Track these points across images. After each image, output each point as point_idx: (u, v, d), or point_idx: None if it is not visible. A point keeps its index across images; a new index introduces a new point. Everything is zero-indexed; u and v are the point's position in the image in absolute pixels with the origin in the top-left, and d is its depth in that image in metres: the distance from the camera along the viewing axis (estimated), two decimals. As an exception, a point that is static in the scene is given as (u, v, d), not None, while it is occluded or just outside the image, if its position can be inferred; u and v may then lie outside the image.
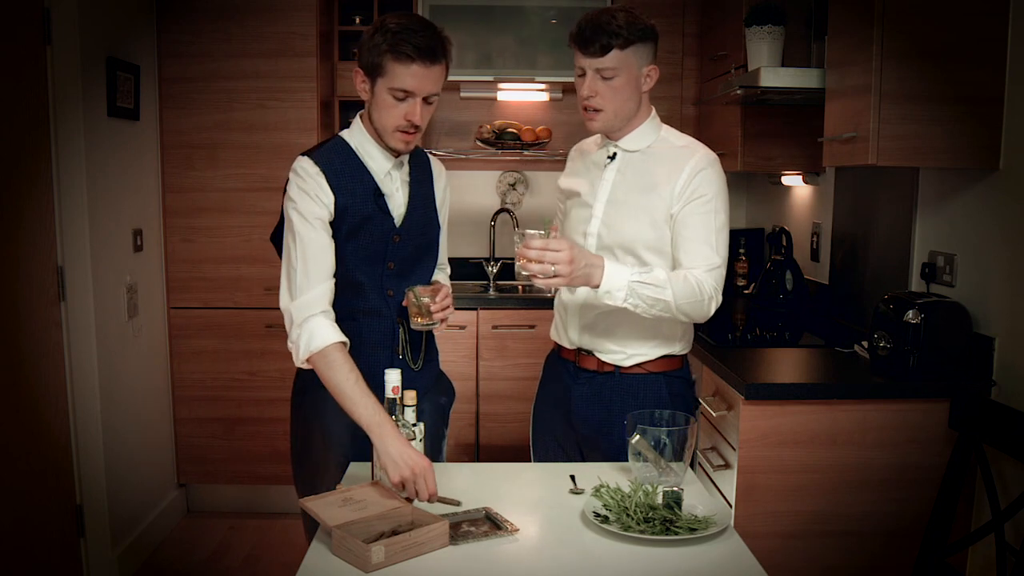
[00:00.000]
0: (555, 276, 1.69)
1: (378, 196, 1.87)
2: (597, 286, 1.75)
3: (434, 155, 2.11)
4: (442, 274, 2.10)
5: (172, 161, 3.50)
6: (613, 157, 1.97)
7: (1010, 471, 2.09)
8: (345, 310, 1.89)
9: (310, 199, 1.80)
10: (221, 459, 3.62)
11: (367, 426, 1.66)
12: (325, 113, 3.62)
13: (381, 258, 1.90)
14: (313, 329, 1.73)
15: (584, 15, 1.88)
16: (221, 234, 3.54)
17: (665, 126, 1.99)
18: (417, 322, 1.85)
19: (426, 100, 1.79)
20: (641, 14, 1.87)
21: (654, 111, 1.97)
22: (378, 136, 1.86)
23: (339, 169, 1.83)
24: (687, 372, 2.06)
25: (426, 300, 1.83)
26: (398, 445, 1.62)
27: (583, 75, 1.88)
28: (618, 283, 1.75)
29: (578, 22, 1.88)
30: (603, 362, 1.99)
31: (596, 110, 1.88)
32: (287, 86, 3.47)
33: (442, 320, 1.87)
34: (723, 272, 1.89)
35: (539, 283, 1.70)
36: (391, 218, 1.89)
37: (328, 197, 1.81)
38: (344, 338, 1.75)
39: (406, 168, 1.95)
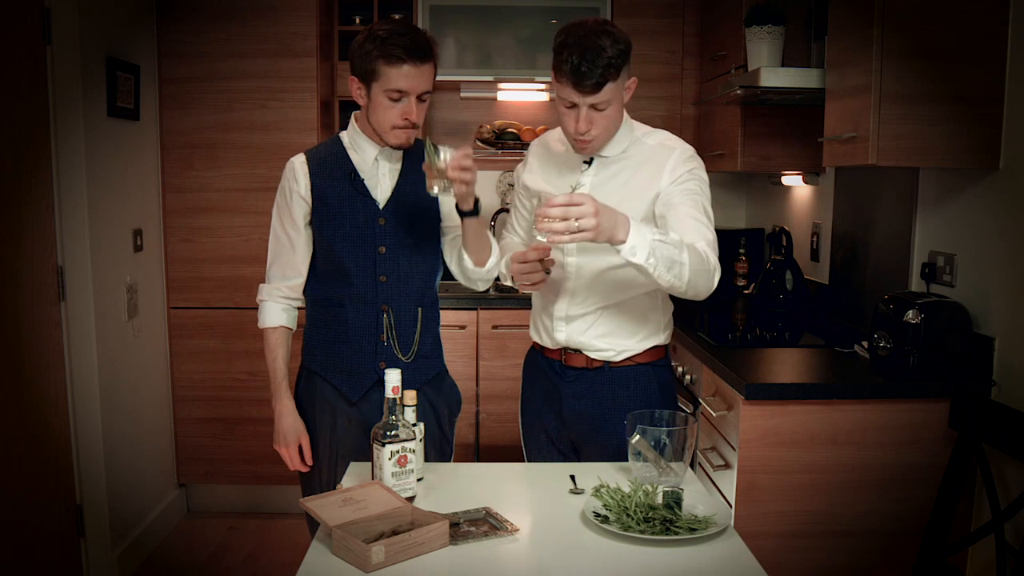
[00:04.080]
0: (580, 231, 1.59)
1: (354, 178, 1.96)
2: (622, 241, 1.64)
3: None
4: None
5: (172, 161, 3.50)
6: (590, 162, 1.96)
7: (1010, 471, 2.09)
8: (333, 297, 2.00)
9: (285, 197, 2.00)
10: (221, 459, 3.62)
11: (272, 395, 2.05)
12: (325, 113, 3.62)
13: (370, 242, 1.96)
14: (266, 310, 2.06)
15: (567, 41, 1.77)
16: (221, 234, 3.54)
17: (635, 123, 1.99)
18: (431, 183, 1.77)
19: (419, 98, 1.88)
20: (615, 26, 1.81)
21: (625, 112, 1.94)
22: (374, 134, 1.94)
23: (322, 156, 2.00)
24: (670, 360, 2.11)
25: (441, 157, 1.74)
26: (286, 420, 2.01)
27: (572, 107, 1.82)
28: (642, 241, 1.65)
29: (567, 58, 1.75)
30: (592, 359, 2.00)
31: (589, 140, 1.86)
32: (287, 86, 3.47)
33: (461, 181, 1.78)
34: (716, 241, 1.85)
35: (563, 240, 1.61)
36: (373, 200, 1.97)
37: (303, 183, 1.97)
38: (285, 322, 2.05)
39: (401, 162, 1.99)
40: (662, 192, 1.88)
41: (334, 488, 1.93)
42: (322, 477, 2.02)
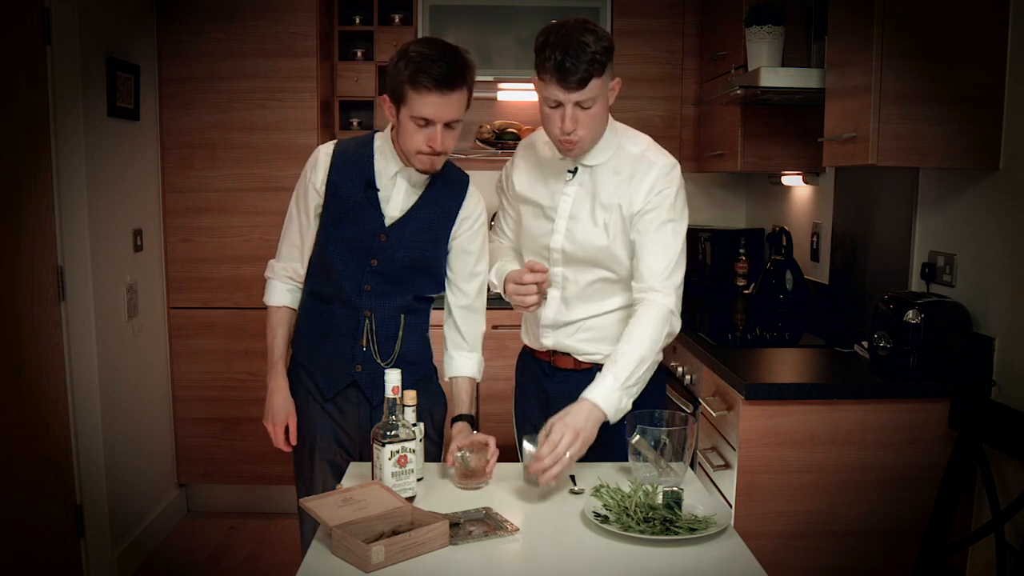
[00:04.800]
0: (573, 455, 1.66)
1: (369, 187, 1.93)
2: (608, 418, 1.73)
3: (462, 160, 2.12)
4: (472, 315, 2.08)
5: (172, 161, 3.50)
6: (574, 171, 1.94)
7: (1010, 471, 2.09)
8: (322, 293, 1.99)
9: (304, 183, 1.98)
10: (221, 459, 3.62)
11: (268, 371, 2.05)
12: (325, 113, 3.61)
13: (366, 253, 1.94)
14: (272, 288, 2.07)
15: (550, 39, 1.74)
16: (221, 234, 3.54)
17: (620, 127, 1.96)
18: (465, 483, 1.76)
19: (448, 125, 1.81)
20: (597, 24, 1.78)
21: (610, 116, 1.91)
22: (401, 152, 1.90)
23: (348, 152, 1.97)
24: (659, 358, 2.08)
25: (473, 461, 1.75)
26: (277, 398, 2.02)
27: (557, 106, 1.78)
28: (615, 400, 1.74)
29: (549, 55, 1.72)
30: (580, 361, 2.01)
31: (575, 141, 1.83)
32: (287, 86, 3.47)
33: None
34: (682, 276, 1.88)
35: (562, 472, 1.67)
36: (381, 215, 1.93)
37: (320, 177, 1.94)
38: (288, 302, 2.06)
39: (423, 184, 1.95)
40: (637, 213, 1.87)
41: (316, 475, 1.98)
42: (303, 466, 2.04)
